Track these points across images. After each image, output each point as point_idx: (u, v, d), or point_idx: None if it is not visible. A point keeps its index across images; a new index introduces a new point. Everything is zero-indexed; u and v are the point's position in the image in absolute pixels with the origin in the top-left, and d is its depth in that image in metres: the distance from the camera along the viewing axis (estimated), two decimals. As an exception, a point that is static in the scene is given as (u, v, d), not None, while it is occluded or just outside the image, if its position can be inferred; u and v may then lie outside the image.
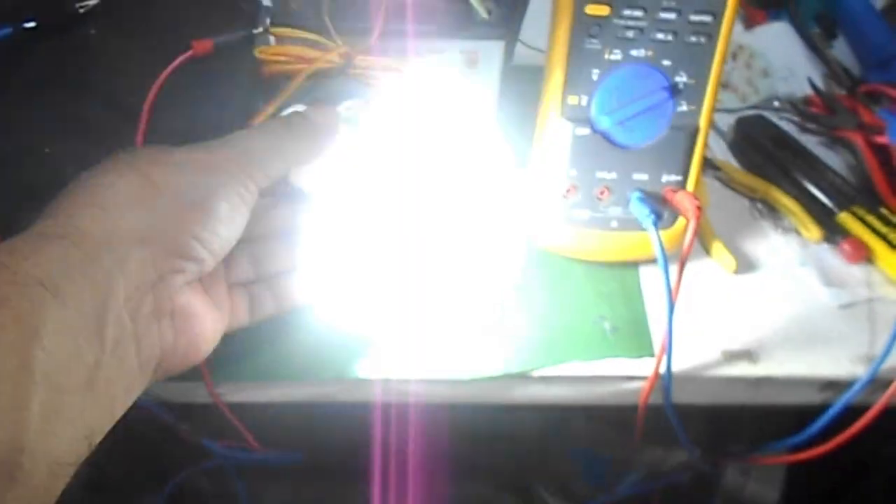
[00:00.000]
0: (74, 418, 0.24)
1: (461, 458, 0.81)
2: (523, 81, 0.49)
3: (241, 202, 0.31)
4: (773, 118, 0.59)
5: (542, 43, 0.46)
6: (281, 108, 0.38)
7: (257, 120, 0.37)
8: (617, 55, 0.44)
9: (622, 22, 0.43)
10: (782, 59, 0.64)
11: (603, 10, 0.43)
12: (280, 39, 0.40)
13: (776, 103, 0.61)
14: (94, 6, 0.46)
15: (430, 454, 0.79)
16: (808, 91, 0.61)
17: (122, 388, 0.27)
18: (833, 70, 0.63)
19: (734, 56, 0.64)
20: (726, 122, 0.60)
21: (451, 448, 0.78)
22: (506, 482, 0.83)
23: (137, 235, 0.27)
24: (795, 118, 0.60)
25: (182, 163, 0.29)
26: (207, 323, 0.32)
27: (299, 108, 0.37)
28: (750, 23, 0.67)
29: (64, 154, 0.41)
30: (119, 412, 0.28)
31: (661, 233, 0.44)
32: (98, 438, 0.26)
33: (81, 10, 0.46)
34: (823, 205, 0.53)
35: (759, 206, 0.54)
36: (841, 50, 0.67)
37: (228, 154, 0.31)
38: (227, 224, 0.30)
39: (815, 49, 0.65)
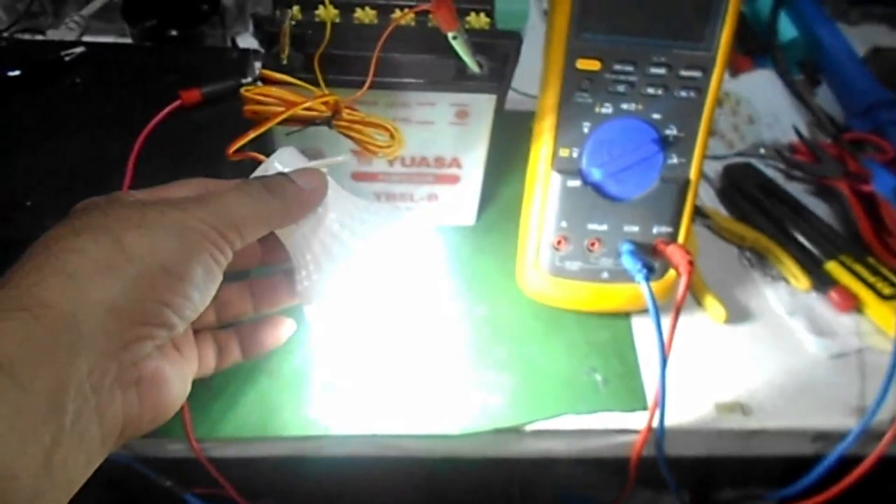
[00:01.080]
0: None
1: (448, 495, 0.79)
2: (512, 127, 0.49)
3: (215, 265, 0.30)
4: (760, 165, 0.59)
5: (533, 88, 0.46)
6: (261, 151, 0.36)
7: (232, 148, 0.36)
8: (608, 109, 0.44)
9: (613, 77, 0.43)
10: (767, 106, 0.65)
11: (594, 65, 0.43)
12: (270, 83, 0.40)
13: (762, 150, 0.61)
14: (81, 54, 0.46)
15: (416, 492, 0.78)
16: (794, 137, 0.62)
17: (82, 463, 0.26)
18: (817, 117, 0.64)
19: (720, 103, 0.65)
20: (714, 168, 0.60)
21: (438, 484, 0.77)
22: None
23: (105, 305, 0.26)
24: (782, 166, 0.60)
25: (155, 225, 0.28)
26: (175, 386, 0.31)
27: (289, 151, 0.36)
28: (735, 70, 0.68)
29: (46, 206, 0.40)
30: (76, 487, 0.26)
31: (653, 284, 0.44)
32: None
33: (67, 59, 0.45)
34: (811, 253, 0.53)
35: (748, 254, 0.54)
36: (825, 96, 0.68)
37: (204, 215, 0.29)
38: (199, 289, 0.29)
39: (800, 96, 0.66)
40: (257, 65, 0.51)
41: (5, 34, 0.60)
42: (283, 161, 0.35)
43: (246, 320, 0.38)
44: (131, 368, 0.28)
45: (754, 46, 0.69)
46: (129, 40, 0.58)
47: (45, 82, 0.45)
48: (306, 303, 0.36)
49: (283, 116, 0.36)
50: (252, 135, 0.35)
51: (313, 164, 0.35)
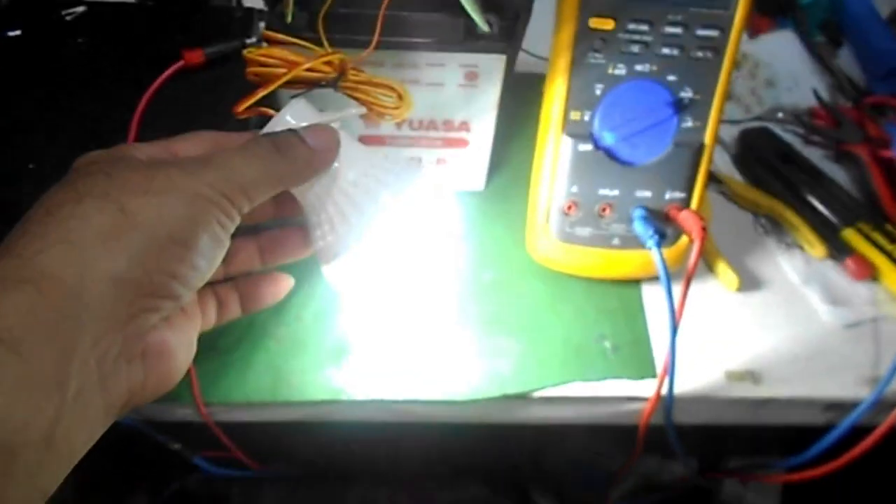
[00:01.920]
0: (29, 478, 0.23)
1: (458, 462, 0.80)
2: (523, 89, 0.48)
3: (222, 232, 0.29)
4: (778, 130, 0.58)
5: (544, 50, 0.45)
6: (265, 104, 0.35)
7: (240, 107, 0.35)
8: (621, 70, 0.43)
9: (627, 36, 0.42)
10: (787, 69, 0.63)
11: (607, 24, 0.41)
12: (273, 43, 0.39)
13: (780, 115, 0.60)
14: (82, 14, 0.45)
15: (426, 458, 0.78)
16: (813, 102, 0.60)
17: (84, 436, 0.26)
18: (838, 81, 0.62)
19: (738, 65, 0.63)
20: (730, 133, 0.58)
21: (448, 451, 0.78)
22: (502, 485, 0.83)
23: (110, 276, 0.25)
24: (800, 131, 0.59)
25: (162, 192, 0.27)
26: (181, 354, 0.31)
27: (300, 104, 0.35)
28: (754, 31, 0.66)
29: (49, 170, 0.39)
30: (78, 458, 0.26)
31: (665, 251, 0.43)
32: (53, 490, 0.25)
33: (68, 18, 0.44)
34: (828, 221, 0.52)
35: (763, 221, 0.53)
36: (847, 59, 0.66)
37: (212, 179, 0.28)
38: (206, 257, 0.29)
39: (821, 59, 0.64)
40: (262, 24, 0.50)
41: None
42: (294, 115, 0.34)
43: (246, 275, 0.38)
44: (137, 341, 0.28)
45: (775, 6, 0.67)
46: None
47: (47, 42, 0.44)
48: (324, 262, 0.36)
49: (287, 78, 0.35)
50: (258, 95, 0.34)
51: (325, 117, 0.34)
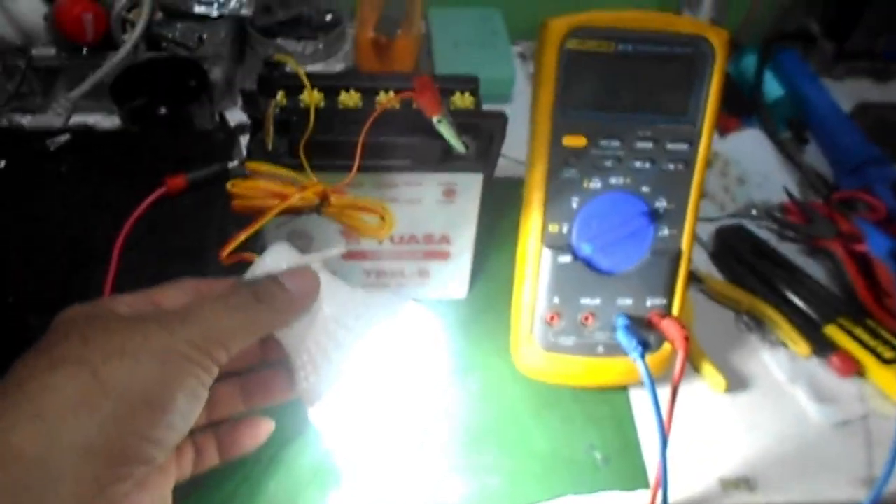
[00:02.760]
0: None
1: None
2: (503, 194, 0.49)
3: (200, 387, 0.28)
4: (752, 227, 0.59)
5: (522, 153, 0.46)
6: (251, 243, 0.36)
7: (224, 253, 0.35)
8: (596, 184, 0.44)
9: (600, 152, 0.43)
10: (757, 166, 0.65)
11: (580, 142, 0.43)
12: (255, 174, 0.39)
13: (754, 211, 0.61)
14: (65, 143, 0.46)
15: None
16: (785, 197, 0.62)
17: None
18: (807, 177, 0.64)
19: (710, 164, 0.65)
20: (707, 231, 0.59)
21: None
22: None
23: (79, 448, 0.25)
24: (774, 227, 0.60)
25: (137, 353, 0.27)
26: None
27: (280, 248, 0.35)
28: (723, 131, 0.68)
29: (28, 303, 0.39)
30: None
31: (649, 357, 0.43)
32: None
33: (52, 148, 0.45)
34: (809, 317, 0.52)
35: (746, 319, 0.54)
36: (814, 155, 0.68)
37: (190, 335, 0.28)
38: (183, 416, 0.28)
39: (788, 155, 0.66)
40: (245, 140, 0.51)
41: (-6, 115, 0.60)
42: (274, 259, 0.34)
43: (226, 421, 0.37)
44: None
45: (741, 106, 0.70)
46: (116, 118, 0.58)
47: (30, 172, 0.45)
48: (308, 404, 0.35)
49: (274, 213, 0.36)
50: (243, 236, 0.34)
51: (307, 258, 0.34)
